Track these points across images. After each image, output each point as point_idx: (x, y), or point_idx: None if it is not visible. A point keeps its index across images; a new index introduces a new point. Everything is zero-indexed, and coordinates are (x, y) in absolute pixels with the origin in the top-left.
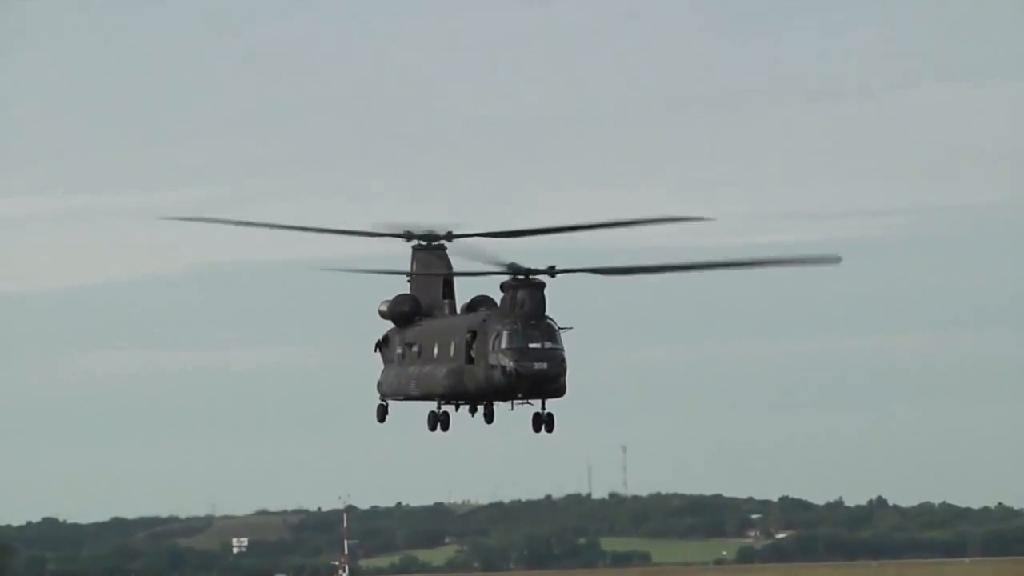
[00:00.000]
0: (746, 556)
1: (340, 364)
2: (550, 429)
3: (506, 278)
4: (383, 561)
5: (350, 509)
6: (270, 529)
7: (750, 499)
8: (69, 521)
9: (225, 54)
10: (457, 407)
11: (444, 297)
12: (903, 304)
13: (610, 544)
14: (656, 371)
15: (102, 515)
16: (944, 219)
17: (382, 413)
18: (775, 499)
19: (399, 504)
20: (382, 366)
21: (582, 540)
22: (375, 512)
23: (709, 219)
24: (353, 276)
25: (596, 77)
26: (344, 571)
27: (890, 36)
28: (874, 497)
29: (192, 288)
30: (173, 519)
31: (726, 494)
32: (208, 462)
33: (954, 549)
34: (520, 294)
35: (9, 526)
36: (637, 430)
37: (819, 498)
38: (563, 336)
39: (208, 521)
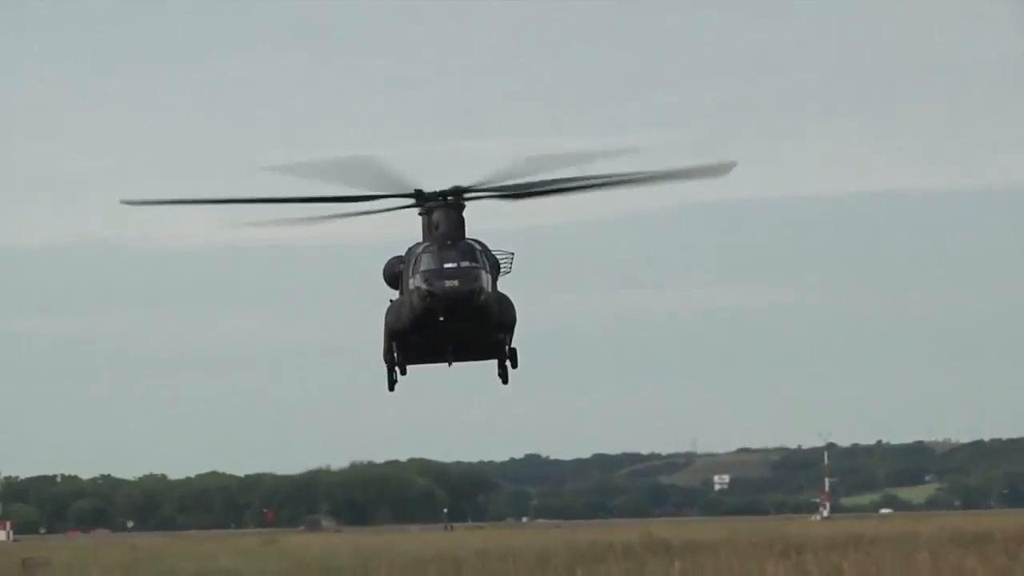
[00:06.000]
0: None
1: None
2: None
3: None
4: (864, 499)
5: (831, 447)
6: (751, 466)
7: None
8: (552, 457)
9: None
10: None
11: None
12: None
13: None
14: None
15: (584, 451)
16: None
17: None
18: None
19: (879, 442)
20: None
21: None
22: (855, 450)
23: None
24: None
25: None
26: (825, 508)
27: None
28: None
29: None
30: (655, 456)
31: None
32: (690, 400)
33: None
34: (435, 216)
35: (492, 462)
36: None
37: None
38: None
39: (690, 458)
